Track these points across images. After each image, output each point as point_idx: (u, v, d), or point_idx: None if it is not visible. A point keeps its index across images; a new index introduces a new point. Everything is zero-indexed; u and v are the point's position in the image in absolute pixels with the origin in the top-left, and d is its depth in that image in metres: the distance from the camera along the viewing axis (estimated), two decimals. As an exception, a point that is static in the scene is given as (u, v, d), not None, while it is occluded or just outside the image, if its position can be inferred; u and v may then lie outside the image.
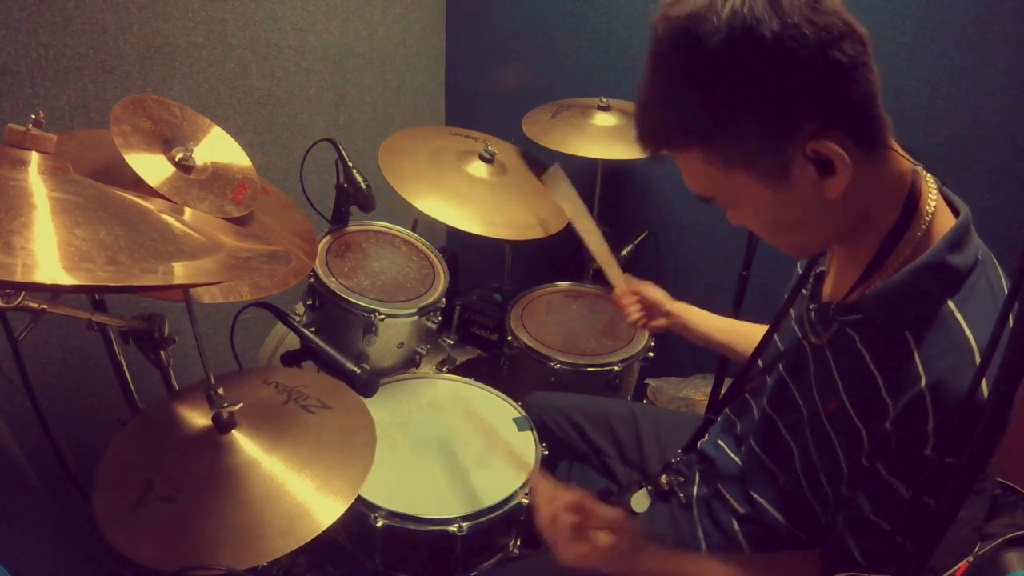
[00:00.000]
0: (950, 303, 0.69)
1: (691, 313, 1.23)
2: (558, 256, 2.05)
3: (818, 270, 0.90)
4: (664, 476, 1.09)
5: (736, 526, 0.99)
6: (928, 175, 0.75)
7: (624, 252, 1.80)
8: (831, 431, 0.79)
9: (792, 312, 0.96)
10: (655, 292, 1.24)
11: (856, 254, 0.78)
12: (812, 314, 0.85)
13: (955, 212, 0.74)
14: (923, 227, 0.71)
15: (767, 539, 0.95)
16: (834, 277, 0.86)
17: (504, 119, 1.87)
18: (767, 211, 0.73)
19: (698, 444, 1.12)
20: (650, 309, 1.25)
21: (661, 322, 1.24)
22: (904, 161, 0.73)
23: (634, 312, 1.25)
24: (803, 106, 0.64)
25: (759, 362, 1.02)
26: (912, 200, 0.72)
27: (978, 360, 0.65)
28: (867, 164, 0.69)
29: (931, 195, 0.73)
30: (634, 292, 1.25)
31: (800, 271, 0.97)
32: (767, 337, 0.99)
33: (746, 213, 0.77)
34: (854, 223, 0.74)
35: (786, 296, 0.98)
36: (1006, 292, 0.70)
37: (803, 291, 0.93)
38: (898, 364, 0.70)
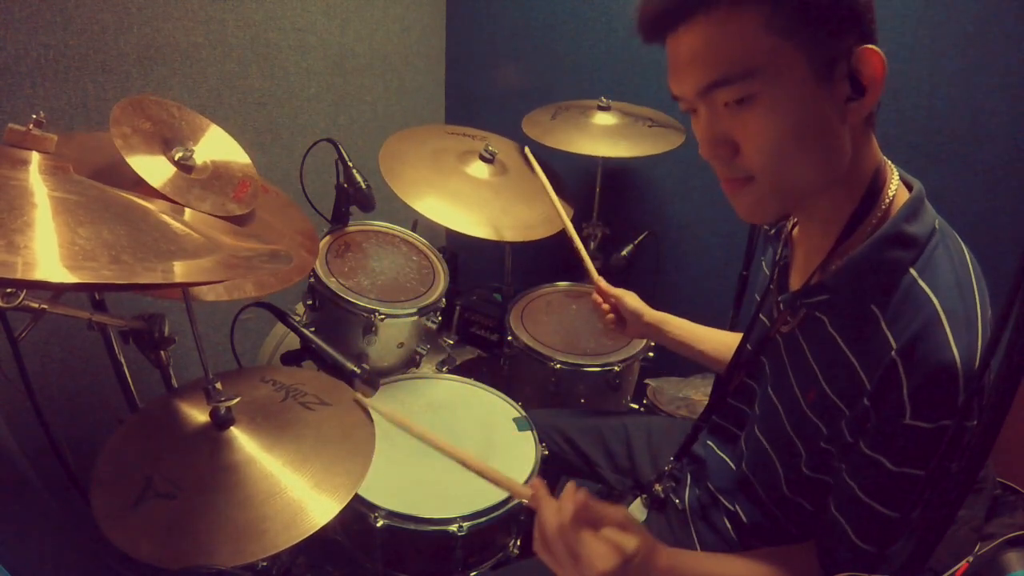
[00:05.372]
0: (912, 271, 0.70)
1: (669, 323, 1.22)
2: (558, 256, 2.06)
3: (781, 262, 0.90)
4: (658, 484, 1.09)
5: (729, 525, 0.99)
6: (890, 162, 0.76)
7: (624, 252, 1.80)
8: (815, 419, 0.80)
9: (762, 313, 0.96)
10: (633, 301, 1.23)
11: (819, 242, 0.79)
12: (781, 305, 0.86)
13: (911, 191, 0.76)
14: (883, 209, 0.73)
15: (761, 537, 0.95)
16: (799, 268, 0.87)
17: (504, 119, 1.87)
18: (796, 108, 0.65)
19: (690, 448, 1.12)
20: (624, 318, 1.24)
21: (636, 329, 1.24)
22: (878, 150, 0.74)
23: (609, 316, 1.25)
24: (859, 12, 0.64)
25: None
26: (876, 184, 0.73)
27: (945, 321, 0.66)
28: (862, 131, 0.71)
29: (893, 182, 0.74)
30: (612, 296, 1.24)
31: (767, 271, 0.97)
32: (743, 342, 1.00)
33: (770, 105, 0.65)
34: (832, 180, 0.72)
35: (757, 297, 0.98)
36: (968, 261, 0.73)
37: (770, 286, 0.93)
38: (869, 338, 0.71)
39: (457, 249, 1.97)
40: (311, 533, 0.81)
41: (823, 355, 0.79)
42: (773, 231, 0.95)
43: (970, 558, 0.93)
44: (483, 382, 1.44)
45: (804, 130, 0.67)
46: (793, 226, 0.91)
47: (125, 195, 0.76)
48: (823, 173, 0.71)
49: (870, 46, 0.64)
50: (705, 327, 1.23)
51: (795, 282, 0.87)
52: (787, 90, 0.65)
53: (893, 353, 0.68)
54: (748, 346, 0.97)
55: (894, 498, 0.72)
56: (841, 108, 0.66)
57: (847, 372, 0.74)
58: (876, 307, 0.71)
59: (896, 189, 0.74)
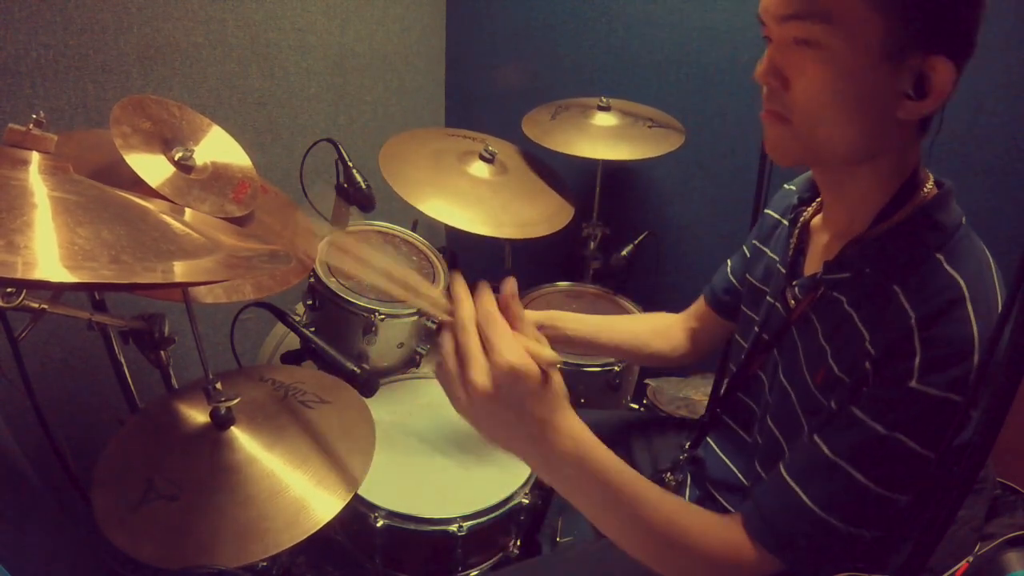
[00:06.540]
0: (938, 255, 0.70)
1: (560, 320, 1.16)
2: (558, 256, 2.06)
3: (795, 248, 0.90)
4: (669, 474, 1.10)
5: None
6: (925, 168, 0.78)
7: (624, 252, 1.80)
8: (823, 401, 0.77)
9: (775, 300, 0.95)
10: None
11: (844, 227, 0.80)
12: (797, 289, 0.85)
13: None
14: (917, 202, 0.75)
15: None
16: (814, 255, 0.87)
17: (504, 119, 1.87)
18: (851, 71, 0.66)
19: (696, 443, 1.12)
20: None
21: None
22: (917, 156, 0.76)
23: None
24: (956, 24, 0.65)
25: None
26: (914, 182, 0.75)
27: (968, 302, 0.66)
28: (913, 132, 0.73)
29: (928, 183, 0.76)
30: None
31: (774, 256, 0.97)
32: (760, 332, 0.99)
33: (829, 56, 0.67)
34: (861, 157, 0.73)
35: (754, 281, 0.99)
36: (991, 262, 0.74)
37: (780, 268, 0.93)
38: (886, 313, 0.70)
39: (457, 249, 1.96)
40: (314, 531, 0.81)
41: (836, 334, 0.77)
42: (792, 215, 0.94)
43: (970, 558, 0.92)
44: (483, 382, 1.44)
45: (849, 95, 0.68)
46: (813, 214, 0.91)
47: (125, 195, 0.76)
48: (852, 144, 0.72)
49: (948, 60, 0.65)
50: (598, 316, 1.20)
51: (808, 269, 0.87)
52: (851, 50, 0.66)
53: (912, 322, 0.67)
54: (764, 336, 0.96)
55: (877, 466, 0.67)
56: (896, 98, 0.67)
57: (857, 347, 0.72)
58: (898, 286, 0.70)
59: (930, 188, 0.76)
